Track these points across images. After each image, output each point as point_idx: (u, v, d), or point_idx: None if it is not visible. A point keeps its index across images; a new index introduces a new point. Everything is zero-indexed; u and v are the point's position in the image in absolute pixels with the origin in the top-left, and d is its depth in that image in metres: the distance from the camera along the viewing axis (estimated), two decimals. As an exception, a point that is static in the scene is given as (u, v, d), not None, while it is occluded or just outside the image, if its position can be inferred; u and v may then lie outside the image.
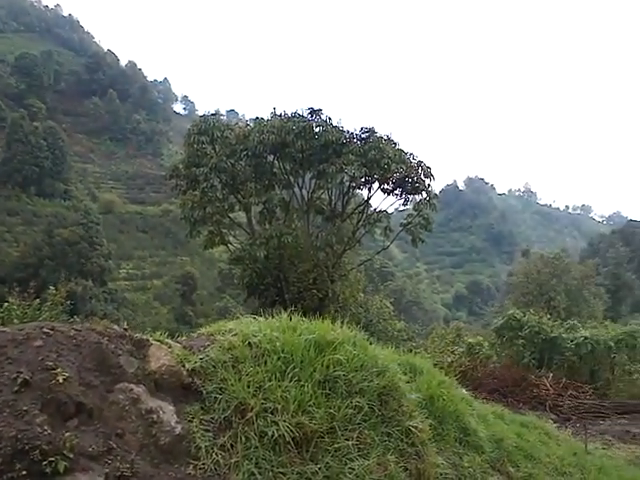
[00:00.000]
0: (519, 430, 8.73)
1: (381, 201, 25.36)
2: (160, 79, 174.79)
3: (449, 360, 18.10)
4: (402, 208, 26.71)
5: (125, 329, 4.33)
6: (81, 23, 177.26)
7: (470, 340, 19.60)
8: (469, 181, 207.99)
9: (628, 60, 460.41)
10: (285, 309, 5.62)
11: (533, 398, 16.31)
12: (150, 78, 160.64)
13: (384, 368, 4.98)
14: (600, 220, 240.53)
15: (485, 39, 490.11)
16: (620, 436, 13.30)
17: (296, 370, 4.44)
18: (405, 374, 6.00)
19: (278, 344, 4.61)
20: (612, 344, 17.66)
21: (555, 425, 13.29)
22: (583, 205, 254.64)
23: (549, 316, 21.07)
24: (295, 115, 24.33)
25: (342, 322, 5.46)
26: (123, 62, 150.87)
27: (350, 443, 4.33)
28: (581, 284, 42.33)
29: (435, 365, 16.15)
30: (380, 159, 22.94)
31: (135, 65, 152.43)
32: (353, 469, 4.20)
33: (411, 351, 19.12)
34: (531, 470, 7.31)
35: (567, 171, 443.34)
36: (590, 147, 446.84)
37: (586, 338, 17.74)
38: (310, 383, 4.39)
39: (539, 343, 18.31)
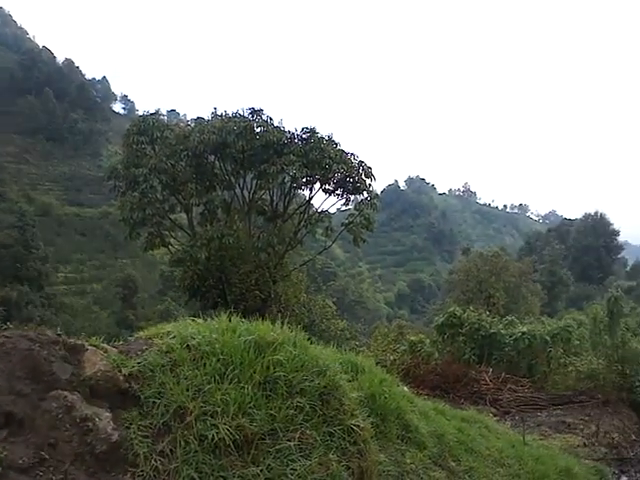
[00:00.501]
0: (460, 425, 8.89)
1: (322, 201, 25.47)
2: (98, 77, 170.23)
3: (392, 358, 18.31)
4: (344, 208, 26.95)
5: (59, 334, 4.18)
6: (14, 18, 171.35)
7: (412, 338, 19.80)
8: (410, 181, 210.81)
9: (561, 61, 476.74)
10: (227, 310, 5.56)
11: (474, 393, 16.64)
12: (88, 76, 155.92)
13: (325, 368, 4.97)
14: (537, 219, 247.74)
15: (424, 38, 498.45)
16: (556, 427, 13.72)
17: (236, 372, 4.38)
18: (347, 373, 6.02)
19: (217, 346, 4.54)
20: (548, 338, 18.17)
21: (495, 418, 13.62)
22: (521, 204, 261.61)
23: (488, 313, 21.52)
24: (236, 115, 24.19)
25: (283, 323, 5.44)
26: (60, 59, 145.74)
27: (292, 444, 4.30)
28: (519, 281, 43.41)
29: (378, 363, 16.33)
30: (321, 159, 23.05)
31: (72, 63, 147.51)
32: (295, 470, 4.18)
33: (354, 350, 19.29)
34: (472, 464, 7.45)
35: (505, 172, 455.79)
36: (526, 148, 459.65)
37: (524, 333, 18.20)
38: (250, 385, 4.35)
39: (479, 339, 18.68)
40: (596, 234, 78.79)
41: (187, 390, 4.15)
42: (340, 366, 5.89)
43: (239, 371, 4.41)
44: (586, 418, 14.45)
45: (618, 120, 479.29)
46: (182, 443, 3.91)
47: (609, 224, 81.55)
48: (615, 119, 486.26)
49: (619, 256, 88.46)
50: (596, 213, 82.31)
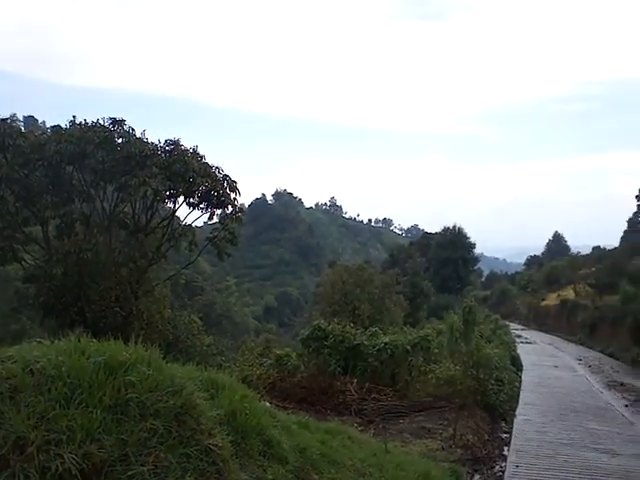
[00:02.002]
0: (323, 437, 8.96)
1: (186, 215, 25.02)
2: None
3: (258, 373, 18.24)
4: (211, 222, 26.69)
5: None
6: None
7: (278, 352, 19.84)
8: (277, 195, 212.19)
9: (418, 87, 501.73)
10: (86, 329, 5.29)
11: (339, 404, 16.90)
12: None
13: (181, 387, 4.83)
14: (400, 233, 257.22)
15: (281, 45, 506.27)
16: (416, 432, 14.21)
17: (84, 396, 4.15)
18: (206, 391, 5.89)
19: (64, 369, 4.28)
20: (409, 348, 18.81)
21: (359, 428, 13.89)
22: (385, 219, 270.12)
23: (353, 324, 21.97)
24: (96, 125, 23.26)
25: (145, 340, 5.24)
26: None
27: (145, 469, 4.12)
28: (383, 293, 44.63)
29: (244, 379, 16.24)
30: (185, 172, 22.69)
31: None
32: (149, 495, 4.02)
33: (220, 366, 19.03)
34: (335, 475, 7.52)
35: (370, 186, 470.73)
36: (389, 163, 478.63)
37: (386, 344, 18.74)
38: (99, 409, 4.13)
39: (344, 351, 19.01)
40: (454, 247, 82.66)
41: (28, 418, 3.87)
42: (199, 384, 5.78)
43: (87, 395, 4.18)
44: (444, 422, 15.10)
45: (472, 138, 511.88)
46: (21, 477, 3.63)
47: (466, 237, 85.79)
48: (470, 138, 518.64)
49: (475, 267, 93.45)
50: (454, 227, 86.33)
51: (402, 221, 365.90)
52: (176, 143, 23.81)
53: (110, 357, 4.54)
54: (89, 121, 23.60)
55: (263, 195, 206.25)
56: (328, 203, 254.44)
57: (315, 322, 20.44)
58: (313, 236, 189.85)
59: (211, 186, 23.56)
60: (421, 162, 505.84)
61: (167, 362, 5.31)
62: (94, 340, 4.97)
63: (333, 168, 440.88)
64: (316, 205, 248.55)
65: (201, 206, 24.39)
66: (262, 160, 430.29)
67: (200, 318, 33.35)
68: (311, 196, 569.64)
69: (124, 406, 4.31)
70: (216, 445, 4.83)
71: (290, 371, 18.27)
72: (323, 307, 42.87)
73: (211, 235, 24.96)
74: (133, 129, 23.59)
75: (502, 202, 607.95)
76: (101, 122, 23.41)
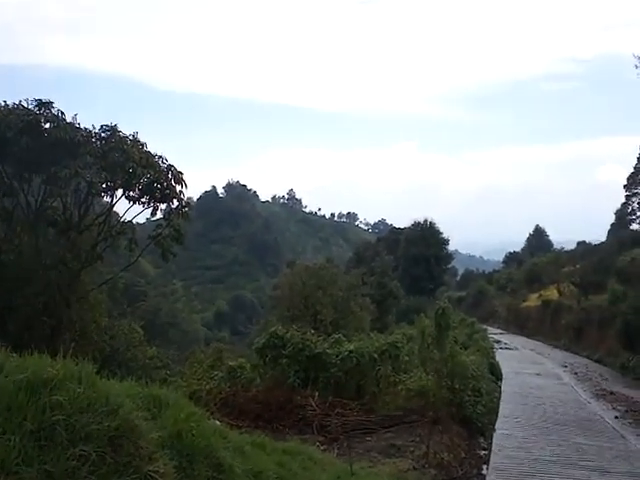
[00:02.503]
0: (281, 459, 8.93)
1: (126, 210, 24.64)
2: None
3: (208, 387, 18.09)
4: (154, 218, 26.37)
5: None
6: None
7: (231, 363, 19.73)
8: (229, 187, 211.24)
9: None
10: (7, 342, 5.13)
11: (299, 421, 16.86)
12: None
13: (117, 406, 4.72)
14: (366, 228, 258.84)
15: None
16: (386, 451, 14.24)
17: (0, 421, 4.02)
18: (147, 410, 5.80)
19: (-23, 390, 4.15)
20: (376, 356, 18.89)
21: (322, 447, 13.87)
22: (349, 213, 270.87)
23: (315, 331, 21.98)
24: (18, 107, 22.69)
25: (74, 354, 5.10)
26: None
27: (74, 502, 4.02)
28: (347, 295, 44.80)
29: (193, 394, 16.11)
30: (124, 162, 22.35)
31: None
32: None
33: (165, 380, 18.83)
34: (294, 501, 7.51)
35: (331, 178, 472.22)
36: (354, 155, 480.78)
37: (351, 352, 18.76)
38: (19, 435, 3.99)
39: (304, 360, 18.98)
40: (426, 243, 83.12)
41: None
42: (139, 402, 5.68)
43: (5, 419, 4.04)
44: (417, 439, 15.15)
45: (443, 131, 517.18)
46: None
47: (438, 233, 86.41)
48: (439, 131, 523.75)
49: (449, 266, 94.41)
50: (425, 221, 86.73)
51: (368, 215, 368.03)
52: (113, 129, 23.40)
53: (34, 374, 4.40)
54: (10, 103, 23.05)
55: (213, 188, 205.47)
56: (286, 196, 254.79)
57: (272, 329, 20.38)
58: (270, 233, 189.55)
59: (154, 178, 23.24)
60: (389, 151, 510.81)
61: (102, 378, 5.19)
62: (15, 355, 4.83)
63: (291, 158, 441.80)
64: (273, 198, 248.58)
65: (142, 200, 24.02)
66: (212, 150, 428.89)
67: (142, 327, 32.93)
68: (267, 189, 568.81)
69: (49, 430, 4.17)
70: (157, 471, 4.74)
71: (244, 385, 18.18)
72: (281, 312, 42.80)
73: (154, 233, 24.63)
74: (63, 112, 23.05)
75: (478, 194, 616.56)
76: (24, 104, 22.86)
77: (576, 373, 30.79)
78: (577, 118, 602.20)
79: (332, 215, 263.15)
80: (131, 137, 23.63)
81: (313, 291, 41.67)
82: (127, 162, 22.43)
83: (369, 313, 47.73)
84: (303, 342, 19.19)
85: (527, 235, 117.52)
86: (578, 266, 57.97)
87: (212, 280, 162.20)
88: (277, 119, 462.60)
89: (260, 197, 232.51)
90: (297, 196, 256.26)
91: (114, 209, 25.38)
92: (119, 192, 23.96)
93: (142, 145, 23.67)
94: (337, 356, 18.84)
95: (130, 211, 25.10)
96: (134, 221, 25.60)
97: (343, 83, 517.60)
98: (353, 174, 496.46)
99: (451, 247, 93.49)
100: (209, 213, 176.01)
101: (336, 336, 20.85)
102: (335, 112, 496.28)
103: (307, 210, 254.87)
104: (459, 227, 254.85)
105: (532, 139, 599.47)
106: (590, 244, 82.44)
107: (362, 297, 47.86)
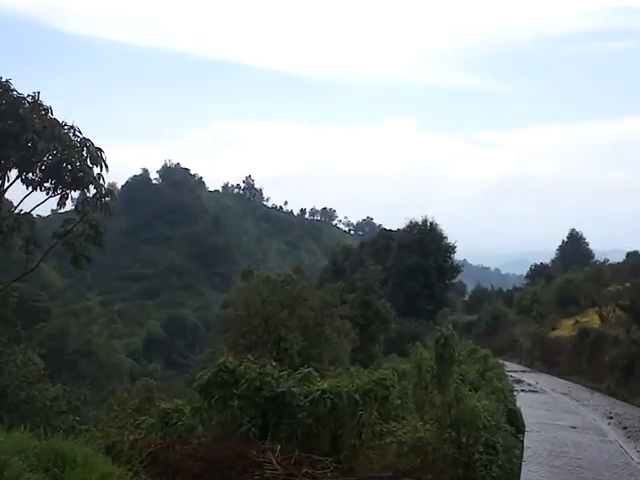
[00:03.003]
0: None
1: (22, 198, 24.40)
2: None
3: (132, 438, 17.93)
4: (63, 210, 26.21)
5: None
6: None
7: (164, 406, 19.57)
8: (167, 171, 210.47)
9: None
10: None
11: (255, 484, 16.79)
12: None
13: (1, 465, 4.60)
14: (346, 229, 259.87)
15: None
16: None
17: None
18: (46, 470, 5.69)
19: None
20: (358, 398, 18.78)
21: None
22: (325, 209, 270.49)
23: (275, 363, 21.90)
24: None
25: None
26: None
27: None
28: (321, 317, 44.77)
29: (112, 447, 15.94)
30: (20, 133, 22.18)
31: None
32: None
33: (73, 429, 18.63)
34: None
35: (303, 163, 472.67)
36: (332, 134, 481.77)
37: (324, 392, 18.57)
38: None
39: (262, 403, 18.82)
40: (425, 251, 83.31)
41: None
42: (33, 459, 5.56)
43: None
44: (410, 510, 15.14)
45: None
46: None
47: (442, 237, 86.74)
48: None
49: (455, 280, 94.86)
50: (425, 222, 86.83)
51: (349, 213, 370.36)
52: (4, 87, 23.19)
53: None
54: None
55: (145, 171, 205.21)
56: (242, 185, 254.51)
57: (220, 360, 20.23)
58: (219, 233, 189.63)
59: (62, 156, 23.09)
60: (379, 130, 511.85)
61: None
62: None
63: (250, 134, 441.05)
64: (224, 188, 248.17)
65: (46, 185, 23.88)
66: (144, 121, 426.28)
67: (43, 357, 32.71)
68: (217, 174, 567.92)
69: None
70: None
71: (181, 435, 18.03)
72: (233, 337, 42.73)
73: (62, 230, 24.48)
74: None
75: (494, 188, 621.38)
76: None
77: (625, 427, 30.74)
78: (631, 89, 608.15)
79: (302, 211, 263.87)
80: (30, 98, 23.41)
81: (276, 311, 41.63)
82: (24, 133, 22.23)
83: (349, 341, 47.78)
84: (262, 378, 19.07)
85: (559, 243, 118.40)
86: (627, 284, 58.08)
87: (141, 295, 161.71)
88: (231, 81, 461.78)
89: (207, 185, 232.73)
90: (256, 185, 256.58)
91: (5, 196, 25.07)
92: (13, 173, 23.77)
93: (46, 110, 23.46)
94: (306, 397, 18.74)
95: (28, 199, 24.85)
96: (34, 213, 25.39)
97: (320, 38, 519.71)
98: (331, 158, 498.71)
99: (458, 256, 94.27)
100: (138, 205, 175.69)
101: (305, 370, 20.77)
102: (309, 76, 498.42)
103: (269, 204, 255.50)
104: (469, 231, 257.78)
105: (569, 115, 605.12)
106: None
107: (340, 319, 47.86)
